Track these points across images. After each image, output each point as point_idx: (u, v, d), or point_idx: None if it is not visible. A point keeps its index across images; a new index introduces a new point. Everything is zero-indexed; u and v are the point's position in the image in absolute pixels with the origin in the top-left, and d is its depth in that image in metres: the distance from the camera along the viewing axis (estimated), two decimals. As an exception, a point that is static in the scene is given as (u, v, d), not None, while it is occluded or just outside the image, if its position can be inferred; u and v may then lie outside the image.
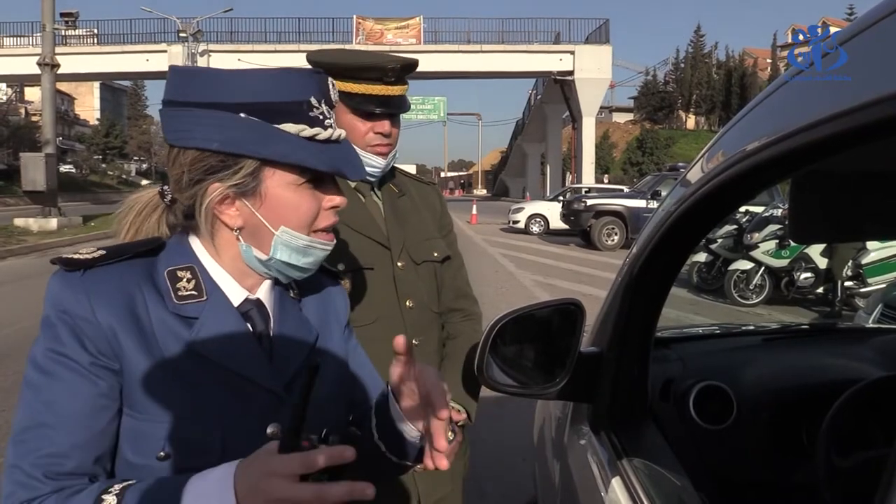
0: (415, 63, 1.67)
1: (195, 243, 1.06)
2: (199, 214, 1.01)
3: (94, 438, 0.94)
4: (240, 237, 1.02)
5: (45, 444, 0.91)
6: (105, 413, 0.95)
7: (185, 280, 1.01)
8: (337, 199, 1.06)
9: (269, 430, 0.98)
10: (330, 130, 1.03)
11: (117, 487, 0.89)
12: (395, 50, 35.48)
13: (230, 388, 1.00)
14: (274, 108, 0.98)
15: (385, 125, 1.65)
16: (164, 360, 0.96)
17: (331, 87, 1.05)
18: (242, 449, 0.93)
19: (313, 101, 1.01)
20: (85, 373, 0.93)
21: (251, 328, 1.05)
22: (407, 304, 1.70)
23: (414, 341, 1.70)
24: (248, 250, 1.03)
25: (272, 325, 1.08)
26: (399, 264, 1.71)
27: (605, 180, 45.68)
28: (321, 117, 1.02)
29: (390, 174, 1.79)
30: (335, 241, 1.09)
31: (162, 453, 0.95)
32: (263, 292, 1.09)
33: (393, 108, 1.66)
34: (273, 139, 0.97)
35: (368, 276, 1.65)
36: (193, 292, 1.01)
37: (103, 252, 0.99)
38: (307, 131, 0.99)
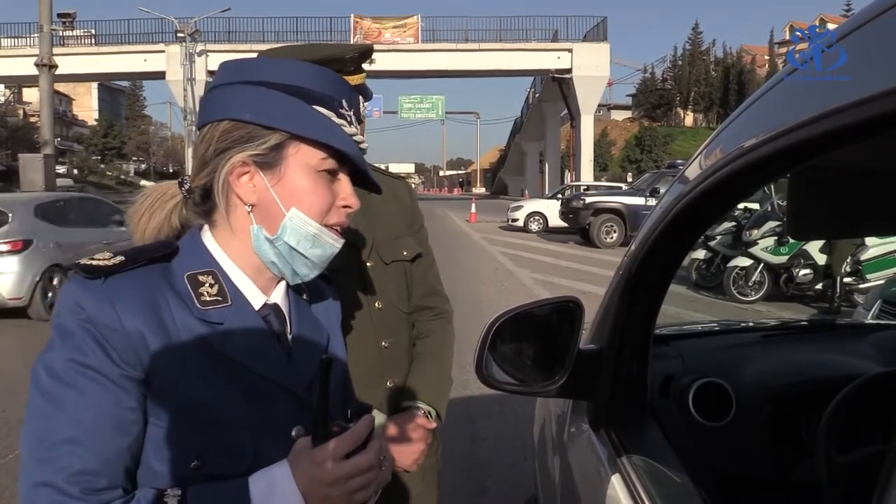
0: (370, 49, 1.65)
1: (210, 242, 1.05)
2: (216, 189, 1.02)
3: (124, 452, 0.92)
4: (252, 215, 1.02)
5: (75, 461, 0.88)
6: (133, 427, 0.93)
7: (207, 285, 1.00)
8: (351, 200, 1.06)
9: (293, 433, 1.01)
10: (355, 129, 1.06)
11: (172, 494, 0.89)
12: (393, 49, 35.53)
13: (256, 391, 1.00)
14: (309, 93, 1.01)
15: None
16: (192, 367, 0.95)
17: (361, 102, 1.08)
18: (271, 452, 0.96)
19: (344, 103, 1.05)
20: (112, 386, 0.91)
21: (271, 332, 1.05)
22: (376, 305, 1.68)
23: (383, 343, 1.69)
24: (259, 232, 1.02)
25: (289, 328, 1.09)
26: (368, 264, 1.69)
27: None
28: (349, 119, 1.05)
29: None
30: (343, 242, 1.09)
31: (195, 462, 0.94)
32: (279, 296, 1.09)
33: None
34: (305, 116, 1.00)
35: (336, 278, 1.64)
36: (218, 297, 1.00)
37: (122, 258, 0.97)
38: (336, 119, 1.03)
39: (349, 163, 1.06)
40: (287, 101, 1.00)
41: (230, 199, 1.02)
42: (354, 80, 1.62)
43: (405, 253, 1.78)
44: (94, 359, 0.90)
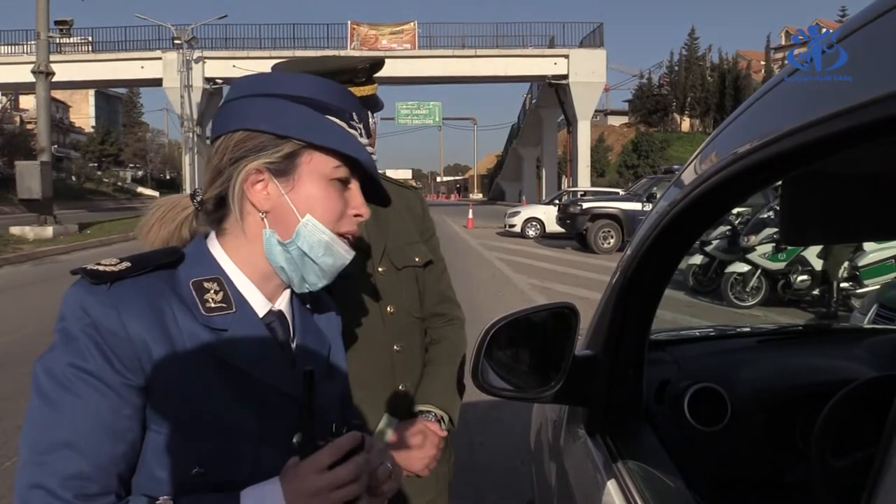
0: (382, 61, 1.66)
1: (216, 249, 1.06)
2: (231, 196, 1.03)
3: (119, 459, 0.92)
4: (265, 221, 1.03)
5: (70, 465, 0.88)
6: (129, 434, 0.93)
7: (212, 291, 1.01)
8: (362, 209, 1.08)
9: (294, 440, 1.01)
10: (366, 141, 1.09)
11: (163, 501, 0.91)
12: (390, 55, 35.57)
13: (258, 398, 1.00)
14: (323, 104, 1.04)
15: None
16: (195, 374, 0.96)
17: (370, 117, 1.11)
18: (272, 459, 0.97)
19: (355, 115, 1.07)
20: (111, 393, 0.91)
21: (274, 340, 1.06)
22: (388, 309, 1.69)
23: (395, 347, 1.70)
24: (272, 237, 1.03)
25: (293, 335, 1.10)
26: (380, 269, 1.70)
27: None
28: (359, 131, 1.08)
29: None
30: (354, 253, 1.10)
31: (196, 469, 0.94)
32: (284, 304, 1.10)
33: (368, 108, 1.65)
34: (319, 125, 1.03)
35: (348, 282, 1.64)
36: (222, 304, 1.01)
37: (129, 264, 0.97)
38: (348, 129, 1.05)
39: (360, 172, 1.07)
40: (301, 111, 1.02)
41: (244, 206, 1.04)
42: (366, 90, 1.63)
43: (417, 259, 1.79)
44: (94, 365, 0.91)
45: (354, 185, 1.08)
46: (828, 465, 1.38)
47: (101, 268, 0.96)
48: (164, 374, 0.94)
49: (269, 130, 1.01)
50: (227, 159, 1.03)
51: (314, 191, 1.03)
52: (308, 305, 1.17)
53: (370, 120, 1.14)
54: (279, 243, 1.03)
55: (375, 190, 1.13)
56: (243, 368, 0.99)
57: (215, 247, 1.06)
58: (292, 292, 1.11)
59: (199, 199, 1.09)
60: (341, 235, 1.06)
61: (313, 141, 1.02)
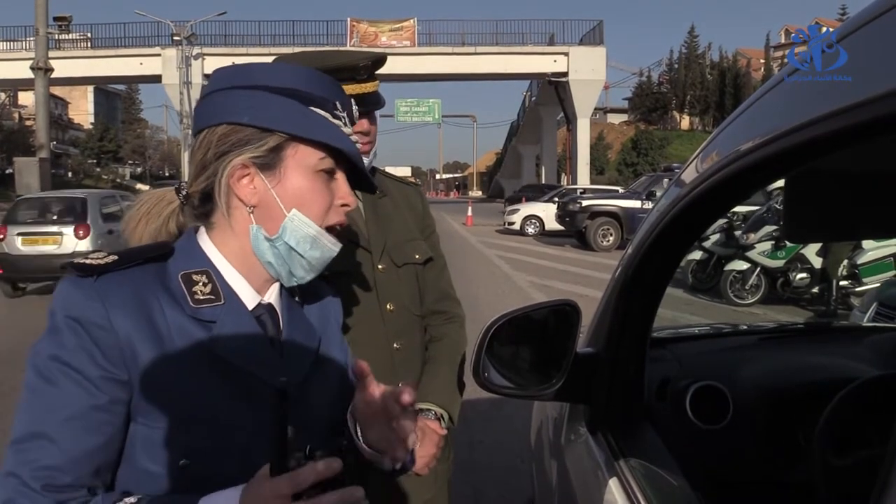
0: (384, 57, 1.66)
1: (206, 244, 1.06)
2: (217, 191, 1.02)
3: (94, 452, 0.92)
4: (252, 216, 1.03)
5: (43, 455, 0.89)
6: (108, 427, 0.93)
7: (201, 284, 1.01)
8: (349, 199, 1.08)
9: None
10: (350, 130, 1.08)
11: (129, 501, 0.90)
12: (389, 52, 35.47)
13: (247, 391, 1.00)
14: (306, 95, 1.03)
15: (363, 124, 1.64)
16: (182, 366, 0.96)
17: (353, 105, 1.11)
18: (261, 453, 0.95)
19: (338, 104, 1.07)
20: (90, 387, 0.91)
21: (264, 332, 1.06)
22: (388, 307, 1.69)
23: (395, 345, 1.70)
24: (258, 232, 1.03)
25: (283, 329, 1.09)
26: (380, 267, 1.70)
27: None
28: (343, 120, 1.07)
29: (370, 175, 1.78)
30: (341, 246, 1.10)
31: (184, 461, 0.94)
32: (273, 297, 1.10)
33: (369, 106, 1.64)
34: (302, 116, 1.02)
35: (348, 280, 1.63)
36: (211, 296, 1.01)
37: (116, 257, 0.98)
38: (332, 120, 1.05)
39: (345, 162, 1.07)
40: (283, 103, 1.01)
41: (231, 201, 1.03)
42: (367, 87, 1.62)
43: (417, 256, 1.78)
44: (73, 357, 0.92)
45: (340, 175, 1.08)
46: (829, 464, 1.38)
47: (88, 261, 0.97)
48: (150, 367, 0.94)
49: (252, 124, 1.00)
50: (211, 154, 1.02)
51: (301, 183, 1.03)
52: (297, 298, 1.17)
53: (353, 107, 1.13)
54: (266, 239, 1.03)
55: (361, 178, 1.13)
56: (231, 360, 0.99)
57: (205, 240, 1.06)
58: (282, 285, 1.11)
59: (184, 192, 1.09)
60: (330, 227, 1.06)
61: (297, 133, 1.01)
